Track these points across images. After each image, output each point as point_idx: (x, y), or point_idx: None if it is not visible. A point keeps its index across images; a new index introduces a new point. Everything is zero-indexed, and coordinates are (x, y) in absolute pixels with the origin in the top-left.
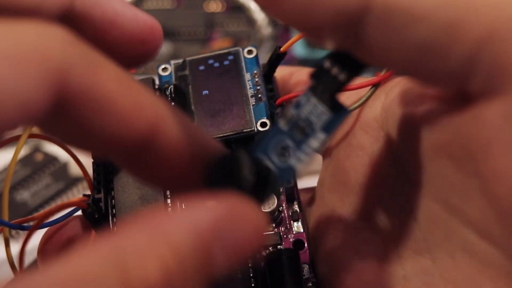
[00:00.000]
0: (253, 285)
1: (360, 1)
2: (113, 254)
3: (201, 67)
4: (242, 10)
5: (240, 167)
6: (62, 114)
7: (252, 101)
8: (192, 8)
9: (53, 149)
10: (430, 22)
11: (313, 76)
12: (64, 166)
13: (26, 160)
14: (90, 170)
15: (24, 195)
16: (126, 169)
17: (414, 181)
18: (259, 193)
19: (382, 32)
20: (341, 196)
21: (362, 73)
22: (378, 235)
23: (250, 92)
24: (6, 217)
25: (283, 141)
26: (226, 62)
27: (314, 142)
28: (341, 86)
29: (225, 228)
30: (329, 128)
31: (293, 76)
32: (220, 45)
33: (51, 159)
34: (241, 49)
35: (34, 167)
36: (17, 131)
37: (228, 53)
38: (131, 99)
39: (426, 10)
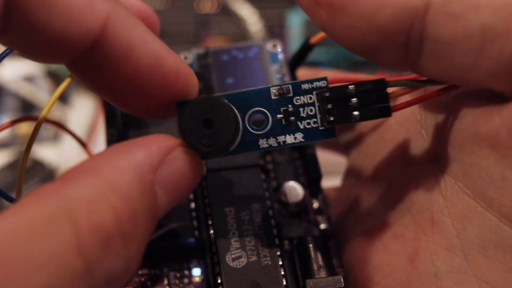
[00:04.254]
0: (282, 273)
1: None
2: (62, 202)
3: (225, 57)
4: (234, 11)
5: (183, 117)
6: (12, 14)
7: None
8: (183, 9)
9: (41, 154)
10: (492, 6)
11: (331, 90)
12: (52, 172)
13: (13, 166)
14: None
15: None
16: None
17: (450, 175)
18: (197, 143)
19: (444, 23)
20: (370, 191)
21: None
22: (409, 231)
23: (276, 81)
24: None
25: (262, 113)
26: (250, 54)
27: (289, 139)
28: (349, 121)
29: (163, 168)
30: (309, 137)
31: (318, 74)
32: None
33: (38, 165)
34: (264, 43)
35: None
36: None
37: (252, 46)
38: None
39: None
